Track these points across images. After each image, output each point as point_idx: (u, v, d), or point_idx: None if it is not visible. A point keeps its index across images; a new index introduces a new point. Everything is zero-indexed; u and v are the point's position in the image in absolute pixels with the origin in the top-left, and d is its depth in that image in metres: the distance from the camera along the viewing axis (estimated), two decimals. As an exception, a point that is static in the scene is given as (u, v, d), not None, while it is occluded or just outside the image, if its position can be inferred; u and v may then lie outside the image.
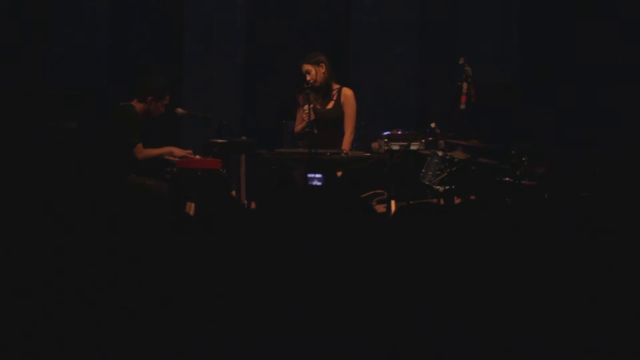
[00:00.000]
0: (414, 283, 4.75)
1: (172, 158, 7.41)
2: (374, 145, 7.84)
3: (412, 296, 4.58)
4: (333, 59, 7.91)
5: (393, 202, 7.32)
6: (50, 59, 9.37)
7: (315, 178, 7.25)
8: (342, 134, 7.65)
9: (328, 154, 7.18)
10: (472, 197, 7.47)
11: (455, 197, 7.40)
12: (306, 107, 7.41)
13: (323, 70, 7.64)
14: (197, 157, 7.45)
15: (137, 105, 7.44)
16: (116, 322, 4.25)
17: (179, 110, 7.81)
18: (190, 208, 7.23)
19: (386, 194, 7.89)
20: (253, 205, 7.58)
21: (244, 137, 7.71)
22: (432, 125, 7.49)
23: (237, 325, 4.28)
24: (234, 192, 7.67)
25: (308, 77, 7.56)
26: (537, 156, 7.83)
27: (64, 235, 5.72)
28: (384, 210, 7.34)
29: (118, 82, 9.25)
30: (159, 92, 7.46)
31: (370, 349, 4.14)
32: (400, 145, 7.40)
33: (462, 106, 7.36)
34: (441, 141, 7.50)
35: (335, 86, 7.74)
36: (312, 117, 7.35)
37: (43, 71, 9.34)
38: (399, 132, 7.69)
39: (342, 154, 7.20)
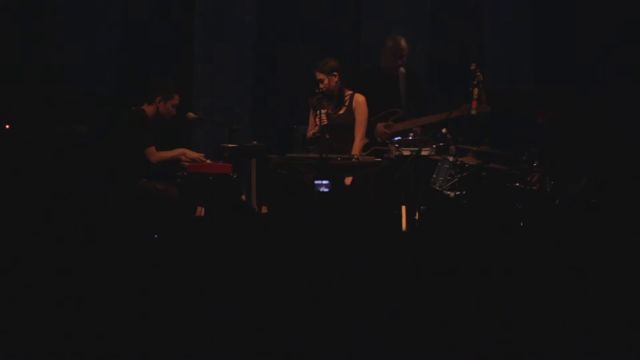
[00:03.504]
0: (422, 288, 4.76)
1: (185, 159, 7.43)
2: (379, 127, 7.85)
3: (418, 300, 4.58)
4: (344, 63, 7.91)
5: (404, 208, 7.31)
6: (60, 63, 9.38)
7: (323, 184, 7.25)
8: (353, 139, 7.65)
9: (339, 159, 7.17)
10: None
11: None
12: (319, 111, 7.41)
13: (336, 79, 7.64)
14: (208, 161, 7.46)
15: (148, 109, 7.47)
16: (126, 323, 4.26)
17: (190, 114, 7.82)
18: (201, 212, 7.24)
19: (400, 112, 7.94)
20: (264, 210, 7.59)
21: (254, 142, 7.71)
22: (443, 130, 7.48)
23: (248, 327, 4.28)
24: (244, 197, 7.68)
25: (321, 85, 7.57)
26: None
27: (73, 238, 5.73)
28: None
29: (128, 86, 9.26)
30: (167, 91, 7.48)
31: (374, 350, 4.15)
32: (411, 151, 7.39)
33: (473, 112, 7.35)
34: (452, 147, 7.50)
35: (348, 92, 7.74)
36: (325, 121, 7.35)
37: (53, 75, 9.36)
38: (410, 137, 7.68)
39: (353, 159, 7.19)
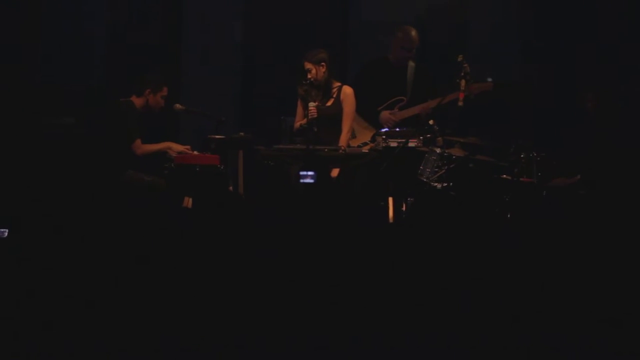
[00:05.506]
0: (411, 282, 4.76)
1: (171, 152, 7.43)
2: (384, 114, 7.86)
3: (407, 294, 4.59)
4: (332, 53, 7.89)
5: (391, 200, 7.31)
6: (48, 56, 9.36)
7: (308, 175, 7.24)
8: (340, 131, 7.64)
9: (325, 150, 7.16)
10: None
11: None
12: (311, 104, 7.38)
13: (324, 70, 7.62)
14: (195, 152, 7.46)
15: (136, 101, 7.47)
16: (115, 317, 4.25)
17: (177, 106, 7.81)
18: (188, 203, 7.24)
19: (405, 99, 7.94)
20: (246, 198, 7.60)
21: (242, 133, 7.70)
22: (431, 122, 7.47)
23: (234, 321, 4.28)
24: (230, 188, 7.67)
25: (309, 75, 7.55)
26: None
27: (62, 230, 5.72)
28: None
29: (116, 79, 9.25)
30: (156, 83, 7.49)
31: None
32: (398, 142, 7.38)
33: (460, 103, 7.35)
34: (439, 138, 7.49)
35: (336, 84, 7.71)
36: (315, 114, 7.32)
37: (41, 68, 9.34)
38: (397, 129, 7.68)
39: (340, 151, 7.19)
